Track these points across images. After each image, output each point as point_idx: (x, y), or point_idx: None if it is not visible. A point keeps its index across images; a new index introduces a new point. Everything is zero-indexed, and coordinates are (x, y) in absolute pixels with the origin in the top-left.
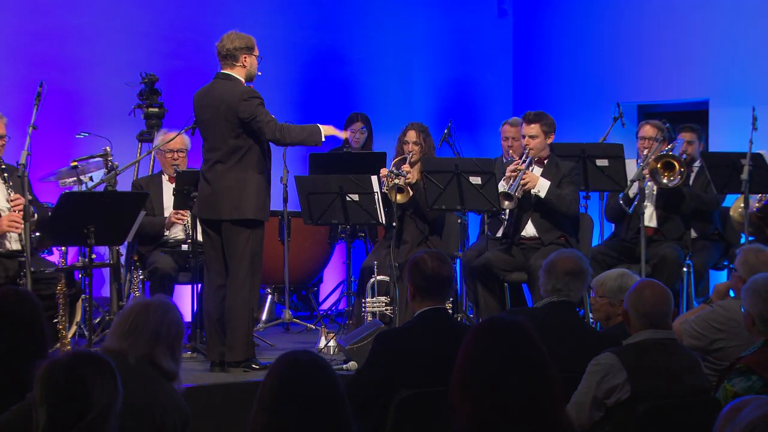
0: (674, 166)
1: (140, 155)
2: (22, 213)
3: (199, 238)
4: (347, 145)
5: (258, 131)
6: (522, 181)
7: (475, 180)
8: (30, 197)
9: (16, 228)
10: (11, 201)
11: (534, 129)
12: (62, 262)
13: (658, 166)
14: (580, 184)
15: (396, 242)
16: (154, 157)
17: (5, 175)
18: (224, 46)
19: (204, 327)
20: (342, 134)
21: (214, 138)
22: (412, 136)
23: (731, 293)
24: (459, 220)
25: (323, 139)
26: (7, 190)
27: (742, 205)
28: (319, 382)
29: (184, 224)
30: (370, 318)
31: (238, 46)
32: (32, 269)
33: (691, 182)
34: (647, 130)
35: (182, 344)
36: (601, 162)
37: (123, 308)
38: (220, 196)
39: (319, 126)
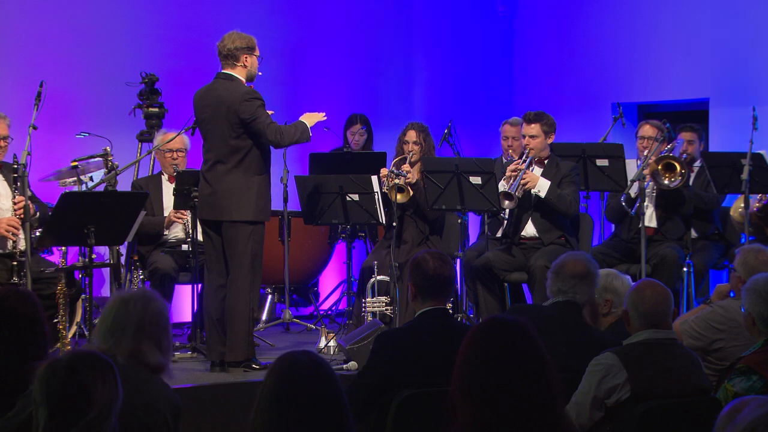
0: (675, 167)
1: (140, 155)
2: (21, 217)
3: (200, 237)
4: (347, 146)
5: (258, 133)
6: (522, 181)
7: (475, 180)
8: (30, 193)
9: (13, 234)
10: (15, 203)
11: (534, 129)
12: (62, 262)
13: (659, 167)
14: (580, 184)
15: (396, 242)
16: (154, 157)
17: (14, 176)
18: (225, 46)
19: (204, 327)
20: (321, 115)
21: (214, 138)
22: (412, 135)
23: (731, 294)
24: (459, 220)
25: (311, 134)
26: (13, 191)
27: (742, 205)
28: (319, 383)
29: (184, 223)
30: (370, 318)
31: (239, 46)
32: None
33: (691, 182)
34: (647, 130)
35: (170, 334)
36: (602, 162)
37: (104, 306)
38: (220, 197)
39: (304, 122)
